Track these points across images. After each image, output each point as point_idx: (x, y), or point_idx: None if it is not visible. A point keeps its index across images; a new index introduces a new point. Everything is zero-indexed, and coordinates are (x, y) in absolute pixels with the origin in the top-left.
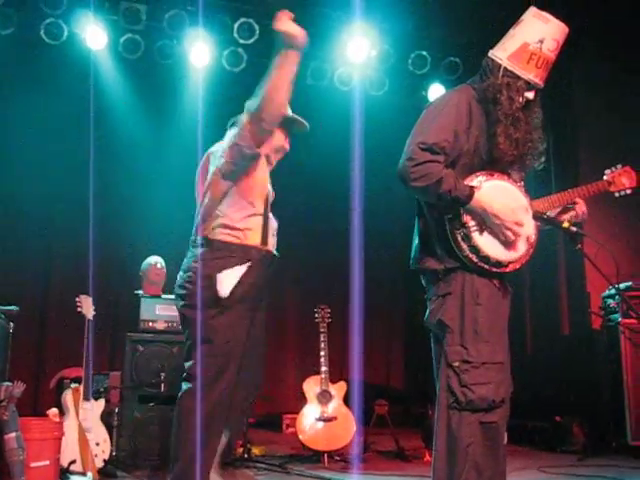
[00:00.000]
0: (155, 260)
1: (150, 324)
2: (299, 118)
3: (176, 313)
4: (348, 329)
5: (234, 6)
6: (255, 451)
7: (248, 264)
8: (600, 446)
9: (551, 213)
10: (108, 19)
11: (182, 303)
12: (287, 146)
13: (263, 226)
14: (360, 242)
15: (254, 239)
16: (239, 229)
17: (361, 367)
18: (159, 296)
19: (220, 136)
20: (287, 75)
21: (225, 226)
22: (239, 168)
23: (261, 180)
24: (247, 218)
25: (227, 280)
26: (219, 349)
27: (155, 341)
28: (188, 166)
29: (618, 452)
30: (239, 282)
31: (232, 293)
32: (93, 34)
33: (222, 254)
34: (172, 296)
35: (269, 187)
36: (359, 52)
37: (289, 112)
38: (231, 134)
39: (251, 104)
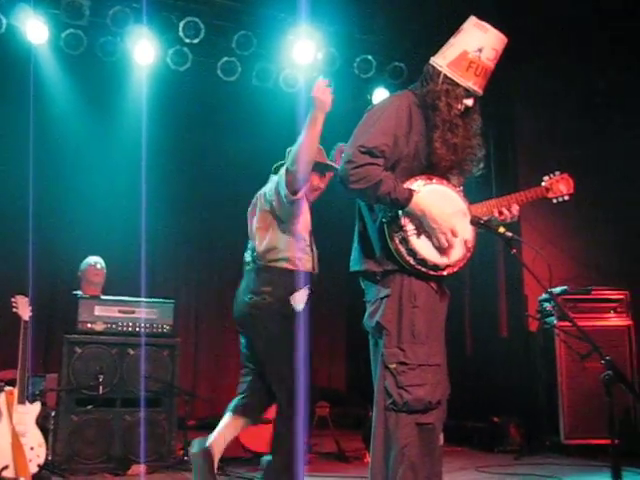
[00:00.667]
0: (94, 260)
1: (88, 325)
2: (330, 163)
3: (116, 314)
4: None
5: (180, 5)
6: None
7: (308, 286)
8: (535, 445)
9: (486, 218)
10: (49, 13)
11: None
12: (322, 185)
13: (312, 255)
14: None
15: (307, 266)
16: (297, 259)
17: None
18: (98, 297)
19: (165, 136)
20: (315, 135)
21: (288, 258)
22: (285, 210)
23: (306, 217)
24: (301, 249)
25: (300, 299)
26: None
27: (93, 342)
28: (131, 165)
29: (552, 450)
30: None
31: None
32: (33, 28)
33: (289, 279)
34: (112, 297)
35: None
36: (305, 54)
37: (323, 159)
38: (275, 180)
39: (289, 159)
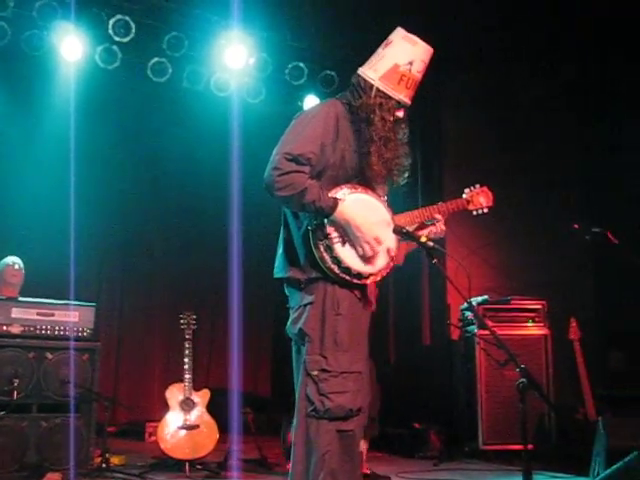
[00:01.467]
0: (12, 260)
1: (4, 328)
2: None
3: (34, 317)
4: (214, 336)
5: (111, 1)
6: (114, 460)
7: None
8: (455, 451)
9: (410, 228)
10: None
11: None
12: None
13: None
14: (238, 250)
15: None
16: None
17: (240, 375)
18: (15, 298)
19: (92, 135)
20: None
21: None
22: None
23: None
24: None
25: None
26: None
27: (9, 346)
28: (54, 163)
29: (471, 456)
30: None
31: None
32: None
33: None
34: (30, 299)
35: None
36: (237, 59)
37: None
38: None
39: None
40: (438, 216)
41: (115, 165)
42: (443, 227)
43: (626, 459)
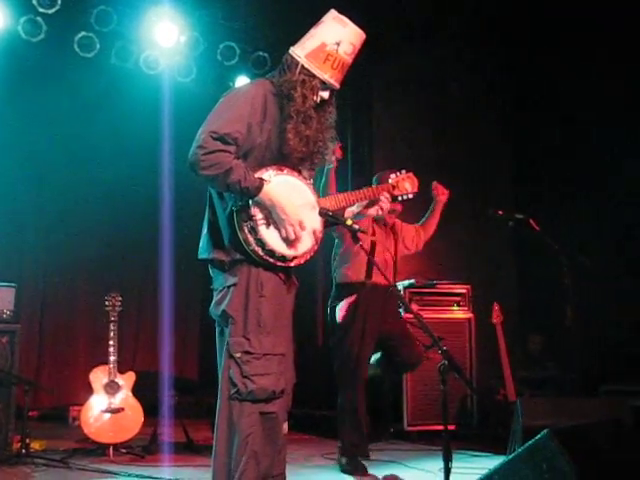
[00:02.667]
0: None
1: None
2: None
3: None
4: (141, 318)
5: None
6: (35, 446)
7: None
8: (380, 432)
9: (358, 207)
10: None
11: None
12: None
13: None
14: (167, 231)
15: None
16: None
17: (167, 358)
18: None
19: (14, 110)
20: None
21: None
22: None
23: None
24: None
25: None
26: None
27: None
28: None
29: (396, 437)
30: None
31: None
32: None
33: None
34: None
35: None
36: (167, 37)
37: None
38: None
39: None
40: (384, 195)
41: (39, 142)
42: (388, 206)
43: (537, 437)
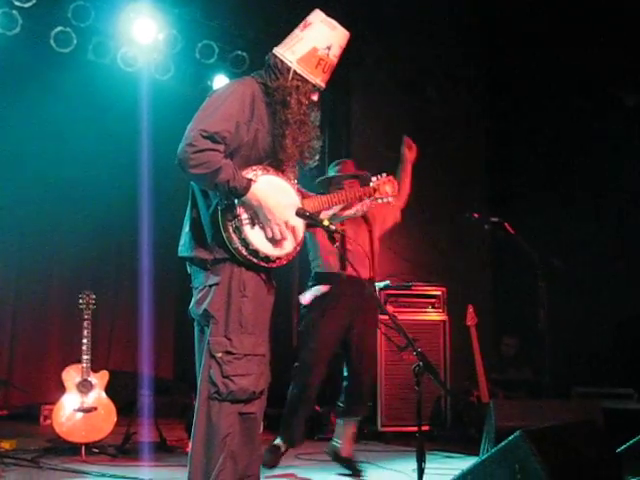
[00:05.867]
0: None
1: None
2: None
3: None
4: (116, 317)
5: None
6: (4, 445)
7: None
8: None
9: (336, 209)
10: None
11: None
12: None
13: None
14: (144, 229)
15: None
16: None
17: (141, 357)
18: None
19: None
20: None
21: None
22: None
23: None
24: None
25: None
26: None
27: None
28: None
29: (369, 437)
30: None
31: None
32: None
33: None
34: None
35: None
36: (145, 33)
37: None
38: None
39: None
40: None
41: (14, 138)
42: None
43: (510, 438)
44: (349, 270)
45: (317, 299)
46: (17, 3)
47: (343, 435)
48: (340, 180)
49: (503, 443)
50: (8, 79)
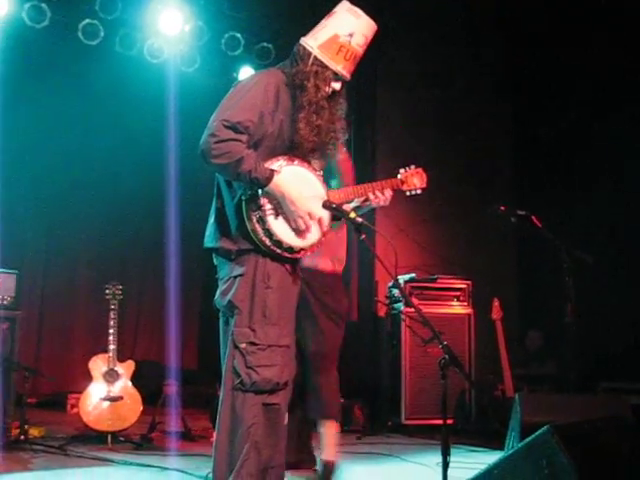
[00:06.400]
0: None
1: None
2: None
3: None
4: (141, 307)
5: None
6: (33, 432)
7: None
8: (378, 425)
9: (357, 201)
10: None
11: None
12: None
13: None
14: (169, 220)
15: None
16: None
17: (166, 347)
18: None
19: (20, 96)
20: None
21: None
22: None
23: None
24: None
25: None
26: None
27: None
28: None
29: (393, 430)
30: None
31: None
32: None
33: None
34: None
35: None
36: (172, 25)
37: None
38: None
39: None
40: (389, 191)
41: (42, 130)
42: (384, 197)
43: (537, 433)
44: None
45: None
46: None
47: None
48: None
49: (530, 438)
50: (37, 71)
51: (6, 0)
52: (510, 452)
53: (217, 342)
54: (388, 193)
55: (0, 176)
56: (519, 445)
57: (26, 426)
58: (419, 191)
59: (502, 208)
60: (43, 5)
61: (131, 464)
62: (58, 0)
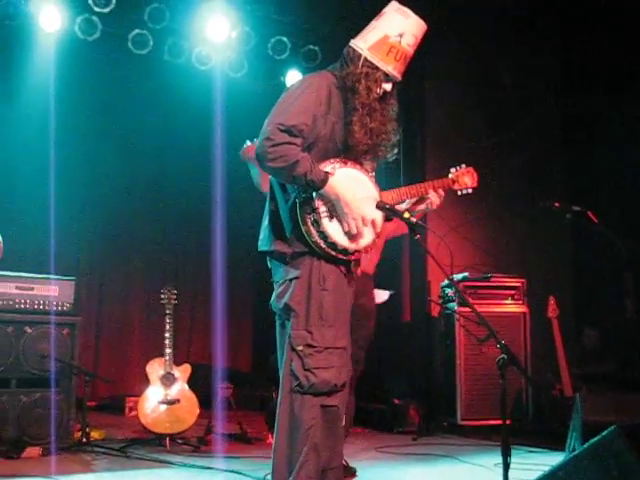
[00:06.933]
0: None
1: None
2: None
3: (12, 291)
4: (196, 311)
5: None
6: (94, 435)
7: None
8: (433, 426)
9: (408, 203)
10: None
11: None
12: None
13: None
14: (220, 224)
15: None
16: None
17: (221, 350)
18: None
19: (72, 106)
20: None
21: None
22: None
23: None
24: None
25: None
26: None
27: None
28: (32, 134)
29: (449, 431)
30: None
31: None
32: None
33: None
34: (9, 273)
35: None
36: (219, 32)
37: None
38: None
39: None
40: (441, 191)
41: (95, 138)
42: (438, 202)
43: (603, 433)
44: None
45: None
46: (97, 9)
47: None
48: None
49: (596, 438)
50: (89, 82)
51: (59, 15)
52: (576, 453)
53: (271, 345)
54: (441, 193)
55: (55, 186)
56: (584, 446)
57: (87, 429)
58: (470, 190)
59: (557, 204)
60: (94, 18)
61: (190, 466)
62: (108, 12)
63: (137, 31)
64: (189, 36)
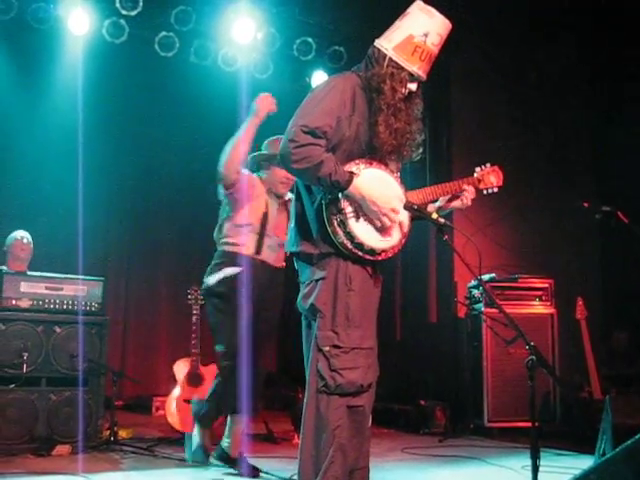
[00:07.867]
0: (21, 235)
1: (13, 302)
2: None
3: (42, 291)
4: None
5: None
6: (122, 434)
7: (239, 268)
8: (460, 428)
9: (442, 200)
10: None
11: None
12: (292, 177)
13: (257, 241)
14: None
15: (249, 251)
16: (240, 244)
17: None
18: (24, 272)
19: (100, 109)
20: (246, 138)
21: (228, 242)
22: (226, 202)
23: (254, 206)
24: (245, 235)
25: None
26: None
27: (18, 320)
28: (61, 137)
29: (475, 433)
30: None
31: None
32: None
33: (227, 260)
34: (39, 273)
35: (271, 210)
36: (244, 33)
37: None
38: None
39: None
40: (469, 187)
41: (122, 139)
42: (468, 201)
43: (637, 437)
44: (263, 255)
45: (226, 285)
46: (124, 12)
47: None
48: (269, 158)
49: (629, 441)
50: (116, 85)
51: (87, 18)
52: (608, 456)
53: (296, 345)
54: (472, 189)
55: (83, 187)
56: (617, 449)
57: (115, 428)
58: (496, 189)
59: (586, 204)
60: (122, 21)
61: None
62: (135, 15)
63: (164, 33)
64: (215, 38)
